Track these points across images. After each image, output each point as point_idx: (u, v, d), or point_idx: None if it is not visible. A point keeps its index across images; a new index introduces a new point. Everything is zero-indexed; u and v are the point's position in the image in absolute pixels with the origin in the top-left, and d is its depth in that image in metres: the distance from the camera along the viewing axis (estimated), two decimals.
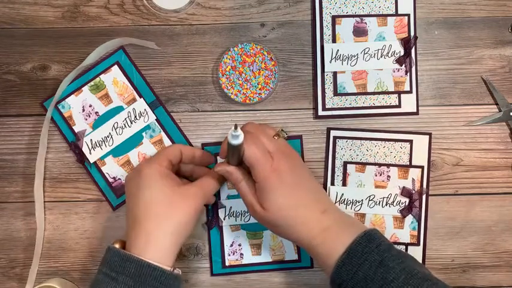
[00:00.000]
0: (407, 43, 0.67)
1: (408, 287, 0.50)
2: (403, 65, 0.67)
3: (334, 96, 0.67)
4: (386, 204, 0.66)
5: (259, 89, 0.66)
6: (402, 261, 0.52)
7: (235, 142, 0.50)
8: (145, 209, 0.56)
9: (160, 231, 0.55)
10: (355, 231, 0.54)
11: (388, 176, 0.67)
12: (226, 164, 0.58)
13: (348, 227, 0.56)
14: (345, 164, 0.67)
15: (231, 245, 0.67)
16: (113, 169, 0.67)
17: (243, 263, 0.67)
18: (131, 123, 0.67)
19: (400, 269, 0.51)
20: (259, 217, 0.57)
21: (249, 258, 0.67)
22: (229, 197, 0.67)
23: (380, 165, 0.67)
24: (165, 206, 0.56)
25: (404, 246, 0.67)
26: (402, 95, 0.67)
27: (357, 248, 0.53)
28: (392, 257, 0.52)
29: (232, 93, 0.66)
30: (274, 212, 0.55)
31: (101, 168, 0.67)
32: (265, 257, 0.67)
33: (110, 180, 0.67)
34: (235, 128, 0.49)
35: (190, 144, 0.68)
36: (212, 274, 0.67)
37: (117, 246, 0.56)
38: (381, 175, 0.67)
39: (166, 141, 0.67)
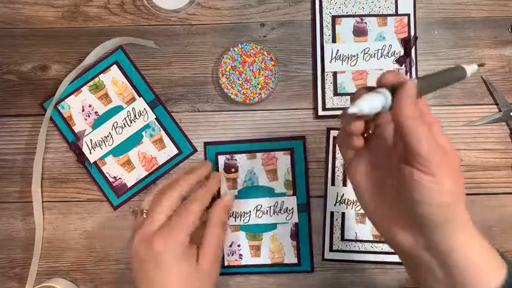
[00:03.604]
0: (407, 43, 0.67)
1: None
2: (403, 65, 0.67)
3: (334, 96, 0.67)
4: None
5: (259, 89, 0.66)
6: None
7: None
8: None
9: None
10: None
11: None
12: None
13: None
14: (345, 164, 0.67)
15: (230, 246, 0.67)
16: (113, 169, 0.67)
17: (242, 263, 0.67)
18: (131, 122, 0.67)
19: None
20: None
21: (248, 259, 0.67)
22: None
23: None
24: None
25: None
26: None
27: None
28: None
29: (232, 93, 0.66)
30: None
31: (101, 168, 0.67)
32: (264, 259, 0.67)
33: (111, 179, 0.67)
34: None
35: (192, 145, 0.68)
36: None
37: None
38: None
39: (166, 140, 0.67)
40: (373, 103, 0.39)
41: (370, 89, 0.41)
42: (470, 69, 0.44)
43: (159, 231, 0.51)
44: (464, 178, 0.41)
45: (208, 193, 0.56)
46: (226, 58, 0.66)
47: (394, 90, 0.39)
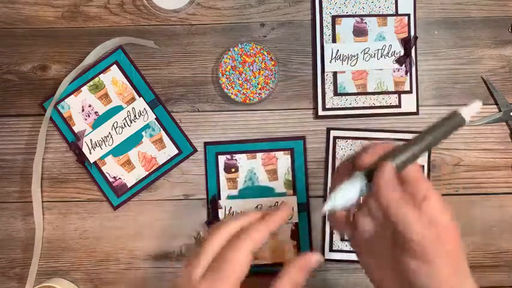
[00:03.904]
0: (407, 43, 0.67)
1: None
2: (403, 65, 0.67)
3: (334, 96, 0.67)
4: None
5: (259, 89, 0.66)
6: None
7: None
8: None
9: None
10: None
11: None
12: None
13: None
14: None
15: None
16: (113, 169, 0.67)
17: None
18: (131, 122, 0.67)
19: None
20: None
21: None
22: (229, 197, 0.67)
23: None
24: None
25: None
26: (402, 95, 0.67)
27: None
28: None
29: (232, 93, 0.66)
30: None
31: (101, 168, 0.67)
32: (264, 259, 0.67)
33: (111, 179, 0.67)
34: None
35: (192, 145, 0.68)
36: None
37: None
38: None
39: (166, 140, 0.67)
40: (348, 195, 0.38)
41: (348, 167, 0.40)
42: (470, 110, 0.39)
43: (202, 279, 0.41)
44: (465, 247, 0.39)
45: (266, 229, 0.43)
46: (226, 58, 0.66)
47: (373, 171, 0.38)
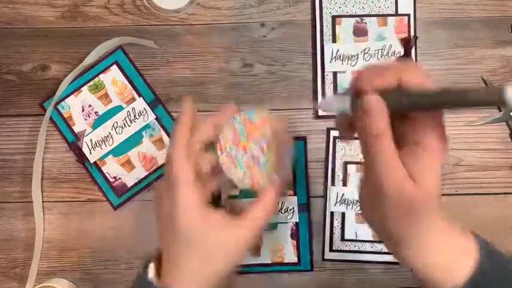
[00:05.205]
0: (407, 43, 0.67)
1: None
2: None
3: (334, 96, 0.67)
4: None
5: (270, 169, 0.48)
6: None
7: None
8: (189, 250, 0.44)
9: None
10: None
11: None
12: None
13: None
14: (345, 164, 0.67)
15: None
16: (113, 169, 0.67)
17: (242, 263, 0.67)
18: (131, 122, 0.67)
19: None
20: (404, 194, 0.37)
21: (249, 259, 0.67)
22: (230, 197, 0.67)
23: None
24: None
25: None
26: None
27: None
28: None
29: (235, 178, 0.47)
30: (428, 190, 0.37)
31: (101, 168, 0.67)
32: (264, 259, 0.67)
33: (111, 179, 0.67)
34: None
35: None
36: None
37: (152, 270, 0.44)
38: None
39: (166, 140, 0.67)
40: (332, 105, 0.40)
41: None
42: None
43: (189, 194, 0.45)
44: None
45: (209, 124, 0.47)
46: (226, 131, 0.47)
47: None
